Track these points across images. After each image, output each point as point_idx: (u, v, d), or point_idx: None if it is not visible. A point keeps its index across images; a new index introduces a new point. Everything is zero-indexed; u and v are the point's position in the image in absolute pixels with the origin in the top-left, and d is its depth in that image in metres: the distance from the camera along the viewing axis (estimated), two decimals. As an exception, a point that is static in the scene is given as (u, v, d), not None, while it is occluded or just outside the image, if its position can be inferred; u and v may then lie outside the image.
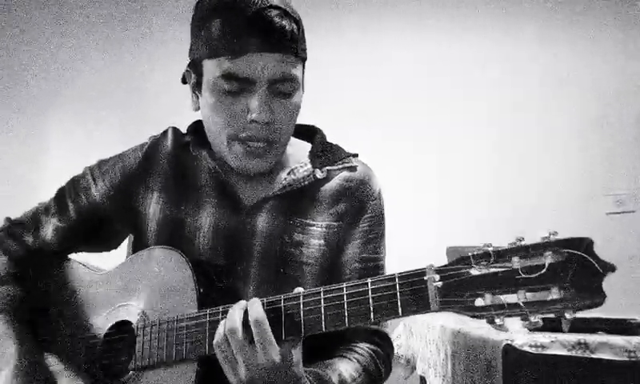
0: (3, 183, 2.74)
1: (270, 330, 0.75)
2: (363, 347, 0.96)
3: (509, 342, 0.96)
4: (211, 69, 0.90)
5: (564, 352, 0.95)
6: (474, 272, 0.66)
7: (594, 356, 0.94)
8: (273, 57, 0.88)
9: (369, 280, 0.73)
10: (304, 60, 0.96)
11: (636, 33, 2.73)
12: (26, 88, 2.90)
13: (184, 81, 1.00)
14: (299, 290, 0.78)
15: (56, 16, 2.94)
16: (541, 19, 2.77)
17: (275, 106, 0.90)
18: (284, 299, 0.78)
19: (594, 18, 2.75)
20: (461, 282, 0.66)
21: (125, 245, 1.18)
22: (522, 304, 0.63)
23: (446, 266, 0.68)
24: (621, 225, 2.56)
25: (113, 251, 1.13)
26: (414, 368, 1.76)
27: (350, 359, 0.93)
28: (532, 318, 0.63)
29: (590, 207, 2.57)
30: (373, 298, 0.72)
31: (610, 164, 2.64)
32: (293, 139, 1.04)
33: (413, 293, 0.69)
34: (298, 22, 0.91)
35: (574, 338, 0.95)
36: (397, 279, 0.71)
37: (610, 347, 0.94)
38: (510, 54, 2.76)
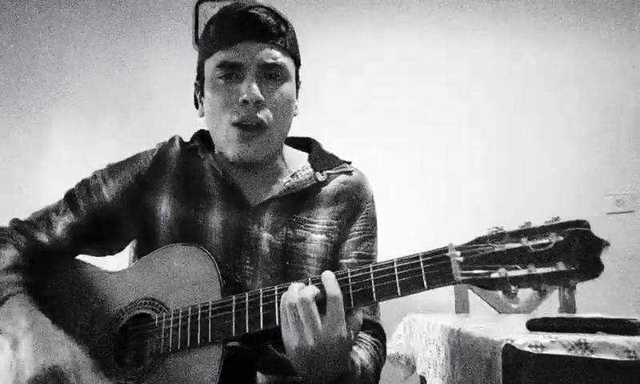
0: (3, 185, 2.74)
1: (342, 307, 0.81)
2: (367, 338, 1.04)
3: (509, 342, 0.96)
4: (209, 66, 1.02)
5: (564, 352, 0.94)
6: (490, 250, 0.76)
7: (593, 356, 0.94)
8: (260, 45, 1.00)
9: (395, 259, 0.82)
10: (295, 59, 1.06)
11: (637, 33, 2.73)
12: (26, 90, 2.90)
13: (196, 104, 1.09)
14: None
15: (57, 18, 2.94)
16: (541, 18, 2.77)
17: (264, 88, 1.00)
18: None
19: (594, 18, 2.75)
20: (479, 258, 0.76)
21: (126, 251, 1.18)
22: (533, 275, 0.74)
23: (466, 244, 0.78)
24: (621, 225, 2.56)
25: (110, 257, 1.14)
26: (414, 368, 1.75)
27: (361, 347, 1.01)
28: (542, 287, 0.73)
29: (590, 207, 2.57)
30: (399, 274, 0.81)
31: (609, 164, 2.64)
32: (291, 149, 1.15)
33: (437, 268, 0.79)
34: (286, 22, 1.04)
35: (574, 337, 0.95)
36: (420, 257, 0.80)
37: (610, 347, 0.94)
38: (509, 53, 2.76)
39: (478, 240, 0.77)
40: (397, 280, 0.80)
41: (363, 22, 2.82)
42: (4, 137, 2.86)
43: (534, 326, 1.05)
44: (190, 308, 0.89)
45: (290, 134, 1.13)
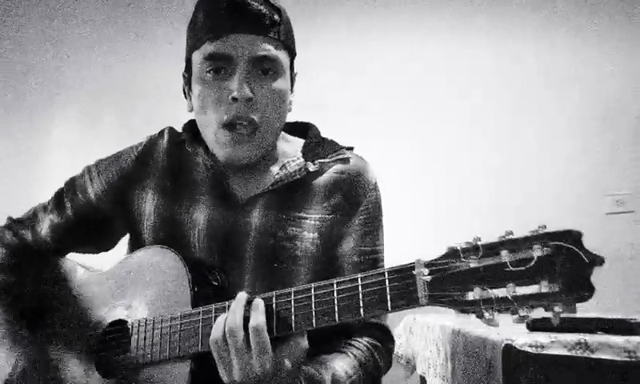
0: (3, 184, 2.74)
1: (267, 338, 0.75)
2: (362, 341, 0.96)
3: (509, 342, 0.96)
4: (197, 58, 0.94)
5: (564, 352, 0.94)
6: (463, 266, 0.66)
7: (593, 356, 0.94)
8: (252, 37, 0.90)
9: (359, 276, 0.73)
10: (289, 50, 0.97)
11: (637, 33, 2.73)
12: (26, 88, 2.90)
13: (185, 93, 1.02)
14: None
15: (56, 16, 2.94)
16: (541, 19, 2.76)
17: (256, 85, 0.91)
18: (276, 296, 0.78)
19: (594, 18, 2.75)
20: (449, 276, 0.66)
21: (124, 244, 1.17)
22: (510, 298, 0.63)
23: (434, 260, 0.68)
24: (621, 225, 2.56)
25: (112, 251, 1.13)
26: (414, 368, 1.76)
27: (346, 354, 0.93)
28: (521, 312, 0.62)
29: (590, 207, 2.57)
30: (363, 293, 0.72)
31: (609, 164, 2.64)
32: (287, 136, 1.06)
33: (402, 287, 0.69)
34: (279, 11, 0.94)
35: (574, 337, 0.95)
36: (386, 274, 0.71)
37: (610, 347, 0.94)
38: (509, 53, 2.76)
39: (451, 254, 0.67)
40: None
41: (363, 22, 2.82)
42: (5, 135, 2.86)
43: (534, 326, 1.05)
44: (161, 319, 0.87)
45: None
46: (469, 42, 2.77)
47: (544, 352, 0.94)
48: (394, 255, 1.07)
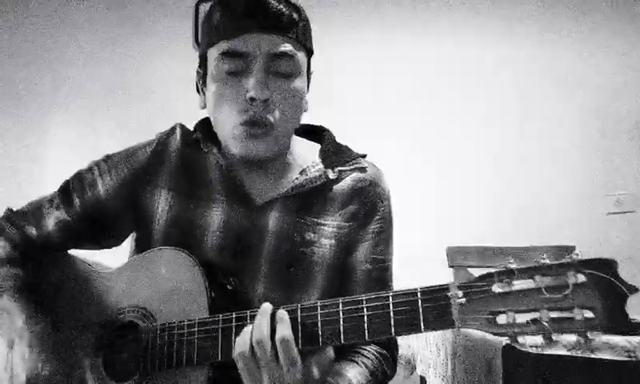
0: (3, 184, 2.74)
1: (295, 349, 0.74)
2: (371, 351, 0.95)
3: (509, 342, 0.96)
4: (212, 55, 0.91)
5: (564, 352, 0.94)
6: (497, 290, 0.66)
7: (593, 356, 0.94)
8: (270, 37, 0.88)
9: (390, 293, 0.72)
10: (307, 50, 0.95)
11: (637, 33, 2.73)
12: (28, 87, 2.90)
13: (198, 89, 1.00)
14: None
15: (56, 15, 2.94)
16: (541, 19, 2.76)
17: (273, 84, 0.89)
18: (300, 308, 0.76)
19: (594, 18, 2.75)
20: (483, 299, 0.66)
21: (126, 243, 1.16)
22: (544, 323, 0.63)
23: (469, 282, 0.68)
24: (621, 225, 2.56)
25: (114, 249, 1.11)
26: (414, 368, 1.76)
27: (358, 364, 0.92)
28: (554, 337, 0.63)
29: (590, 207, 2.57)
30: (394, 311, 0.71)
31: (610, 164, 2.64)
32: (301, 139, 1.04)
33: (435, 309, 0.69)
34: (298, 10, 0.92)
35: (574, 338, 0.95)
36: (419, 294, 0.70)
37: (610, 347, 0.94)
38: (510, 53, 2.76)
39: (485, 277, 0.67)
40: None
41: (370, 24, 2.82)
42: (5, 133, 2.86)
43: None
44: (176, 324, 0.84)
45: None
46: (471, 44, 2.77)
47: (544, 352, 0.94)
48: (396, 256, 1.08)
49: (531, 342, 0.65)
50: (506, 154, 2.67)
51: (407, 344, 1.82)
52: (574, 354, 0.95)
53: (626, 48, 2.73)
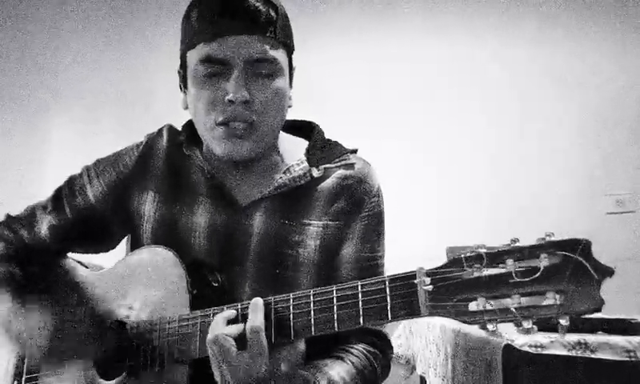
0: (2, 183, 2.74)
1: (265, 339, 0.74)
2: (359, 348, 0.94)
3: (509, 342, 0.96)
4: (192, 59, 0.92)
5: (564, 352, 0.94)
6: (467, 275, 0.63)
7: (593, 356, 0.94)
8: (248, 38, 0.87)
9: (359, 283, 0.72)
10: (287, 47, 0.94)
11: (637, 33, 2.73)
12: (28, 88, 2.90)
13: (181, 88, 1.00)
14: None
15: (58, 17, 2.94)
16: (541, 19, 2.77)
17: (253, 86, 0.89)
18: (274, 301, 0.77)
19: (594, 18, 2.75)
20: (452, 286, 0.64)
21: (123, 244, 1.17)
22: (514, 309, 0.60)
23: (437, 268, 0.66)
24: (621, 225, 2.56)
25: (112, 251, 1.12)
26: (414, 368, 1.76)
27: (344, 361, 0.91)
28: (525, 324, 0.60)
29: (590, 207, 2.57)
30: (363, 301, 0.70)
31: (610, 164, 2.64)
32: (289, 136, 1.03)
33: (403, 296, 0.67)
34: (276, 7, 0.91)
35: (574, 338, 0.95)
36: (387, 282, 0.69)
37: (610, 347, 0.94)
38: (509, 53, 2.76)
39: (454, 263, 0.64)
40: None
41: (366, 21, 2.82)
42: (5, 133, 2.86)
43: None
44: (159, 322, 0.86)
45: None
46: (471, 44, 2.77)
47: (544, 352, 0.94)
48: (395, 256, 1.08)
49: (502, 329, 0.62)
50: (506, 154, 2.68)
51: (407, 344, 1.82)
52: (574, 354, 0.95)
53: (627, 48, 2.73)
